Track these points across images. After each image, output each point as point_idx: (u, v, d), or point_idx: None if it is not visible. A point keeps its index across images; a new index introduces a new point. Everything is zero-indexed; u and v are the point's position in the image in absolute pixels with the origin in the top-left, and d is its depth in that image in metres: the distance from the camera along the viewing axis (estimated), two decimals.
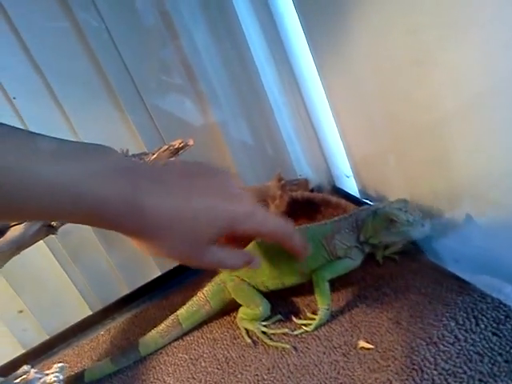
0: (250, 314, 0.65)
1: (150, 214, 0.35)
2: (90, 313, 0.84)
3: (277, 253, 0.62)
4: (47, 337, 0.82)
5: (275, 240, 0.46)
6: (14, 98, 0.70)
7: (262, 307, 0.64)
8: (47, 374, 0.45)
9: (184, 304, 0.71)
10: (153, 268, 0.86)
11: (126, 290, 0.85)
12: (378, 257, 0.62)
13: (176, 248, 0.37)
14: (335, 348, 0.57)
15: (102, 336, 0.79)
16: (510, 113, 0.45)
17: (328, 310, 0.60)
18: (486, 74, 0.45)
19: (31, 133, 0.32)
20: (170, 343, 0.70)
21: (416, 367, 0.49)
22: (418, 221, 0.55)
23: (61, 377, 0.45)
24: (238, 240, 0.45)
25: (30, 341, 0.82)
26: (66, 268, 0.81)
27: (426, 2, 0.47)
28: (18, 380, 0.45)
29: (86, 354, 0.76)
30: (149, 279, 0.85)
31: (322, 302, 0.61)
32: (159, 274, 0.86)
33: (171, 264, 0.85)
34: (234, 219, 0.39)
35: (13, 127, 0.31)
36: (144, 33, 0.76)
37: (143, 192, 0.35)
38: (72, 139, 0.76)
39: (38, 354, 0.81)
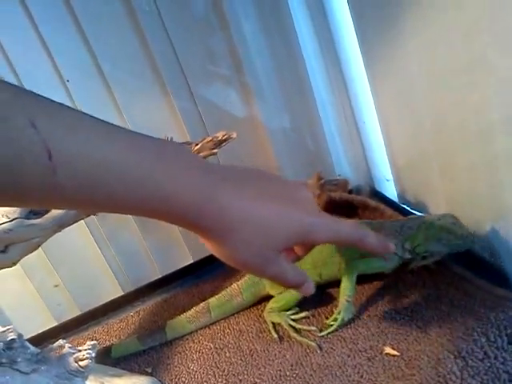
0: (284, 298, 0.66)
1: (226, 212, 0.34)
2: (122, 293, 0.86)
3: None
4: (79, 312, 0.85)
5: (350, 245, 0.45)
6: (68, 81, 0.72)
7: None
8: (80, 351, 0.47)
9: (213, 293, 0.73)
10: (186, 255, 0.87)
11: (157, 275, 0.86)
12: (411, 266, 0.61)
13: (246, 251, 0.36)
14: (360, 351, 0.56)
15: (132, 317, 0.81)
16: None
17: (348, 302, 0.61)
18: None
19: (100, 120, 0.32)
20: (196, 330, 0.71)
21: (441, 379, 0.48)
22: (469, 236, 0.56)
23: (93, 354, 0.46)
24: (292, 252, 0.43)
25: (63, 315, 0.85)
26: (102, 248, 0.84)
27: (484, 6, 0.46)
28: (52, 353, 0.46)
29: (114, 332, 0.78)
30: (181, 266, 0.87)
31: (344, 293, 0.61)
32: (191, 261, 0.87)
33: (204, 252, 0.86)
34: (310, 228, 0.38)
35: (81, 112, 0.31)
36: (195, 21, 0.77)
37: (219, 190, 0.34)
38: (119, 123, 0.78)
39: (68, 329, 0.84)
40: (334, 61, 0.79)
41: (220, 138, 0.71)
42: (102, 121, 0.31)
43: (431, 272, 0.63)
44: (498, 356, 0.48)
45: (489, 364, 0.48)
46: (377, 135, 0.79)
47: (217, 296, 0.72)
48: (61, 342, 0.47)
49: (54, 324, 0.84)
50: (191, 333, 0.71)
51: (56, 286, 0.84)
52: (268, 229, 0.36)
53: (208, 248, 0.37)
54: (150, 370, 0.67)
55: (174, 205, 0.33)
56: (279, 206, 0.37)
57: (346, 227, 0.42)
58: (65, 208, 0.33)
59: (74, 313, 0.85)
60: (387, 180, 0.83)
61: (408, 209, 0.77)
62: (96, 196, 0.30)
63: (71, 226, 0.66)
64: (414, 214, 0.75)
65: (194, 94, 0.80)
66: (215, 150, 0.70)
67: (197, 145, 0.70)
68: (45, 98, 0.29)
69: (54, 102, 0.29)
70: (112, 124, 0.31)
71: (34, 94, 0.28)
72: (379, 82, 0.72)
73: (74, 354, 0.47)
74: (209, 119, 0.82)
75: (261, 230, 0.36)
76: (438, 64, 0.57)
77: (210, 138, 0.71)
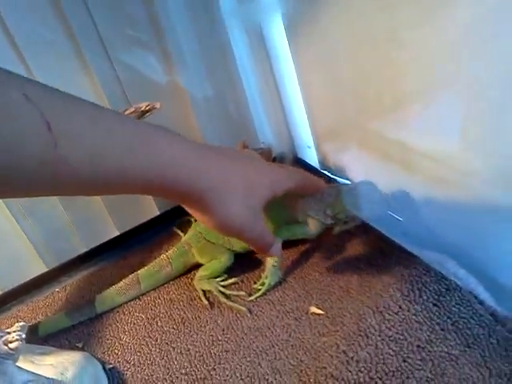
0: (213, 266, 0.68)
1: (218, 174, 0.38)
2: (46, 269, 0.83)
3: None
4: (0, 292, 0.82)
5: (303, 191, 0.54)
6: None
7: (226, 256, 0.68)
8: (9, 333, 0.46)
9: (142, 264, 0.73)
10: (111, 227, 0.86)
11: (83, 248, 0.84)
12: (334, 231, 0.64)
13: (239, 208, 0.40)
14: (288, 312, 0.60)
15: (58, 293, 0.79)
16: (471, 97, 0.47)
17: (275, 267, 0.64)
18: (451, 56, 0.47)
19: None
20: (126, 302, 0.71)
21: (362, 333, 0.52)
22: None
23: (23, 335, 0.46)
24: None
25: None
26: (21, 223, 0.80)
27: None
28: None
29: (40, 310, 0.76)
30: (107, 238, 0.86)
31: (270, 258, 0.64)
32: (117, 233, 0.86)
33: (130, 224, 0.86)
34: (278, 181, 0.45)
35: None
36: None
37: (208, 156, 0.38)
38: None
39: None
40: (255, 28, 0.79)
41: (143, 108, 0.70)
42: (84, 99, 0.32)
43: (351, 235, 0.67)
44: (410, 308, 0.53)
45: (403, 316, 0.53)
46: (298, 104, 0.81)
47: (146, 267, 0.72)
48: None
49: None
50: (121, 305, 0.71)
51: None
52: (253, 186, 0.41)
53: (199, 217, 0.40)
54: (80, 345, 0.67)
55: (171, 172, 0.35)
56: (254, 166, 0.43)
57: (300, 177, 0.51)
58: (70, 190, 0.32)
59: None
60: (308, 147, 0.86)
61: (329, 175, 0.80)
62: (100, 169, 0.30)
63: None
64: (335, 180, 0.79)
65: (112, 61, 0.77)
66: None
67: None
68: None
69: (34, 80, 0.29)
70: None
71: (17, 74, 0.28)
72: (301, 50, 0.73)
73: (2, 336, 0.46)
74: (129, 87, 0.80)
75: (248, 187, 0.41)
76: (356, 36, 0.59)
77: (133, 109, 0.69)
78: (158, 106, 0.69)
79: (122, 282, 0.71)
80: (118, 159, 0.31)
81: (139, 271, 0.72)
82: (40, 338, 0.68)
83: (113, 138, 0.31)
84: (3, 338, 0.45)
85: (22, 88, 0.27)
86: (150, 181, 0.34)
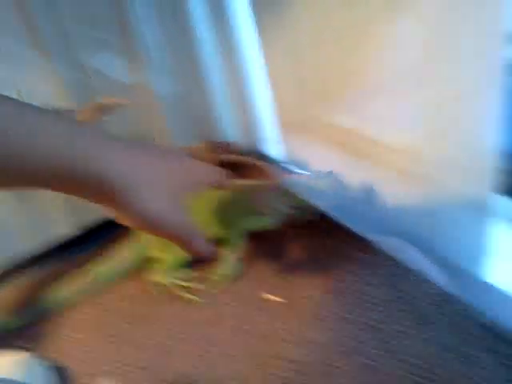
0: (169, 259, 0.66)
1: (136, 169, 0.37)
2: None
3: (205, 202, 0.66)
4: None
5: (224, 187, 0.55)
6: None
7: None
8: None
9: (95, 261, 0.71)
10: (64, 227, 0.83)
11: (35, 249, 0.81)
12: (293, 221, 0.64)
13: (155, 201, 0.39)
14: (244, 301, 0.59)
15: (8, 293, 0.76)
16: (440, 90, 0.47)
17: (233, 257, 0.64)
18: (417, 49, 0.47)
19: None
20: (80, 300, 0.69)
21: (318, 318, 0.52)
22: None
23: None
24: None
25: None
26: None
27: None
28: None
29: None
30: (60, 238, 0.83)
31: (229, 249, 0.64)
32: (70, 233, 0.83)
33: (83, 223, 0.83)
34: (199, 179, 0.46)
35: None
36: None
37: (126, 153, 0.37)
38: None
39: None
40: (224, 25, 0.78)
41: (108, 104, 0.69)
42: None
43: (311, 224, 0.66)
44: (366, 291, 0.53)
45: (359, 299, 0.53)
46: (265, 99, 0.81)
47: (100, 263, 0.70)
48: None
49: None
50: (75, 302, 0.69)
51: None
52: (171, 183, 0.41)
53: (116, 216, 0.40)
54: (30, 346, 0.64)
55: (79, 164, 0.34)
56: (172, 164, 0.43)
57: (215, 171, 0.51)
58: None
59: None
60: (274, 141, 0.86)
61: (295, 169, 0.80)
62: (8, 164, 0.30)
63: None
64: (300, 173, 0.78)
65: (78, 60, 0.76)
66: (103, 117, 0.68)
67: (83, 112, 0.67)
68: None
69: None
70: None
71: None
72: (269, 43, 0.73)
73: None
74: (95, 87, 0.78)
75: (168, 184, 0.40)
76: (321, 30, 0.59)
77: (98, 105, 0.69)
78: (122, 102, 0.68)
79: (74, 279, 0.69)
80: (27, 155, 0.31)
81: (93, 267, 0.70)
82: None
83: (21, 132, 0.30)
84: None
85: None
86: (53, 172, 0.33)
